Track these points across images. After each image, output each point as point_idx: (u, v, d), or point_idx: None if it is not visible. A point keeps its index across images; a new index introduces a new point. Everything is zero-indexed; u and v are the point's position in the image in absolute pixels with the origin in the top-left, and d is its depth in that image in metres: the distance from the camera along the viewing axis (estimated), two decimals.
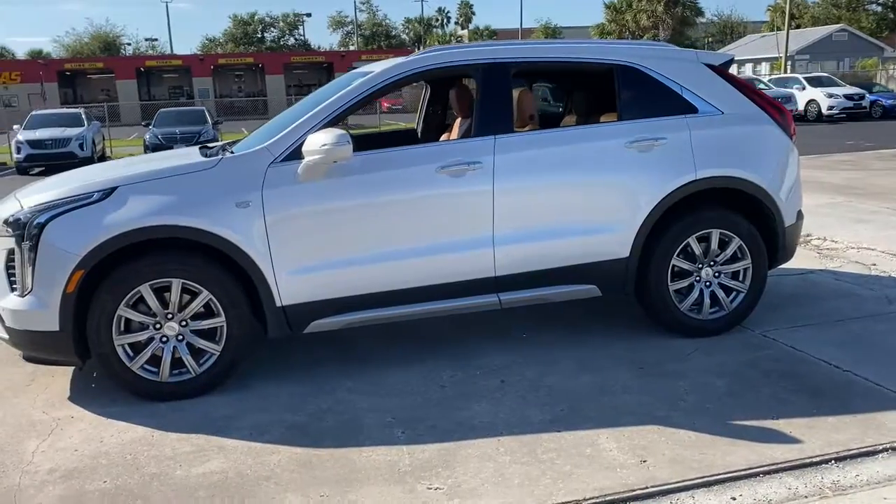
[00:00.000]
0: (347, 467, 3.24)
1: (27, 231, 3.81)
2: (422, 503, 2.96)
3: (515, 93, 4.71)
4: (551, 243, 4.33)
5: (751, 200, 4.63)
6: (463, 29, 70.52)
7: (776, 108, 4.78)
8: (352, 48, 66.68)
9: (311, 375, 4.27)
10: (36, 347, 3.95)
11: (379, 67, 4.42)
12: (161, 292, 3.91)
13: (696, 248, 4.55)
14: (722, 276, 4.65)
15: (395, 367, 4.35)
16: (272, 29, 69.03)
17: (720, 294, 4.64)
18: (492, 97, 4.36)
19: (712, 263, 4.62)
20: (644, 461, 3.20)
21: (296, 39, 66.00)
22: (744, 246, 4.61)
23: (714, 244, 4.59)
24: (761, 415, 3.58)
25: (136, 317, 3.89)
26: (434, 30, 70.40)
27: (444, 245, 4.19)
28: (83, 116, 20.71)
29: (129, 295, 3.84)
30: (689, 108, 4.56)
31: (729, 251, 4.62)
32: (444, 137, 5.53)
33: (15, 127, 20.77)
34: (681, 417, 3.59)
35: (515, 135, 4.34)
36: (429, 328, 4.94)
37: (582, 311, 5.15)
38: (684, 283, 4.60)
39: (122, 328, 3.89)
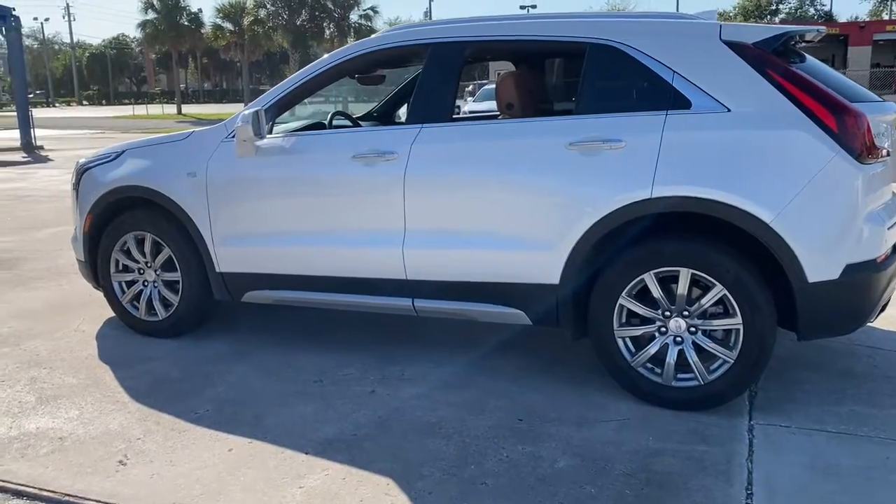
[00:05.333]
0: (114, 422, 3.50)
1: (75, 179, 4.84)
2: (92, 470, 3.06)
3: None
4: (464, 252, 3.74)
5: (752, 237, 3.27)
6: None
7: (831, 110, 3.20)
8: (885, 17, 57.98)
9: (255, 343, 4.52)
10: (80, 272, 4.99)
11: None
12: (143, 243, 4.58)
13: (656, 290, 3.41)
14: (699, 333, 3.41)
15: (324, 353, 4.31)
16: (788, 0, 63.85)
17: (692, 358, 3.41)
18: (431, 81, 3.90)
19: (686, 314, 3.41)
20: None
21: (815, 10, 60.01)
22: (730, 297, 3.29)
23: (682, 288, 3.38)
24: None
25: (125, 260, 4.65)
26: None
27: (357, 238, 3.97)
28: None
29: (120, 241, 4.60)
30: (677, 102, 3.39)
31: (707, 301, 3.35)
32: None
33: (469, 99, 23.79)
34: (433, 482, 2.91)
35: (440, 125, 3.81)
36: (409, 326, 4.69)
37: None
38: (638, 332, 3.51)
39: (120, 268, 4.68)
